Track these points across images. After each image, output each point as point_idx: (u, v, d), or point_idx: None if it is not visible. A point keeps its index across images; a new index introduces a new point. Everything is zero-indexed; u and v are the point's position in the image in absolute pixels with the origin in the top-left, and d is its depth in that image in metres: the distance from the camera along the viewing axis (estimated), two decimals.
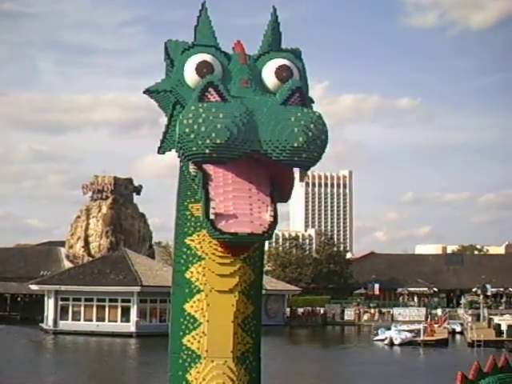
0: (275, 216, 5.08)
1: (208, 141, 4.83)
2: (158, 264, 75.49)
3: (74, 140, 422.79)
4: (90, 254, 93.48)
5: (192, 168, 5.11)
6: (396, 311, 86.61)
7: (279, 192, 5.30)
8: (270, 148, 4.91)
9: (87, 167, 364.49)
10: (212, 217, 4.98)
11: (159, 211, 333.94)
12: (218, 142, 4.82)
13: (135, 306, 64.54)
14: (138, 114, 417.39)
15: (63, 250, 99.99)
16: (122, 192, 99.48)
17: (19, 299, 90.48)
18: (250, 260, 5.75)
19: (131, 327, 63.82)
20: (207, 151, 4.86)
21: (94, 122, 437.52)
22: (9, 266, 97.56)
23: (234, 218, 5.00)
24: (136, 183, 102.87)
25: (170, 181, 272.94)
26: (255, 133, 4.93)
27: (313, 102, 5.87)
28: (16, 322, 78.60)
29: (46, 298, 69.89)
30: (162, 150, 6.07)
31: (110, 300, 65.19)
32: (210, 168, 5.13)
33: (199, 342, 5.66)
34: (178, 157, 5.53)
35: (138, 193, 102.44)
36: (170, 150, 6.00)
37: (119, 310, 65.36)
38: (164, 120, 6.14)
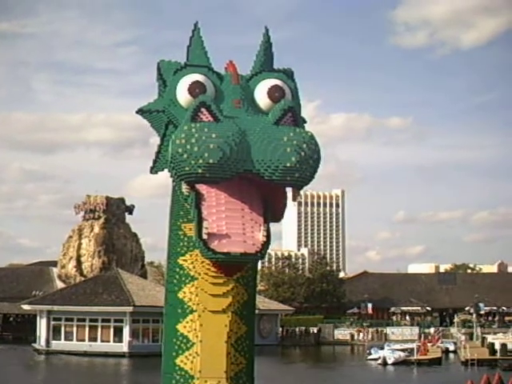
0: (268, 236, 5.08)
1: (201, 161, 4.83)
2: (150, 284, 75.21)
3: (66, 160, 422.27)
4: (82, 274, 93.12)
5: (185, 188, 5.10)
6: (389, 330, 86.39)
7: (272, 212, 5.30)
8: (263, 168, 4.91)
9: (79, 187, 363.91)
10: (205, 237, 4.97)
11: (151, 231, 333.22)
12: (211, 161, 4.83)
13: (128, 326, 64.21)
14: (130, 133, 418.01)
15: (55, 270, 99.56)
16: (115, 212, 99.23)
17: (11, 319, 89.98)
18: (243, 280, 5.74)
19: (124, 347, 63.47)
20: (200, 171, 4.87)
21: (86, 142, 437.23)
22: (1, 285, 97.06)
23: (226, 238, 4.99)
24: (128, 203, 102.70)
25: (161, 200, 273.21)
26: (248, 153, 4.93)
27: (305, 121, 5.88)
28: (8, 342, 78.08)
29: (38, 318, 69.47)
30: (154, 169, 6.06)
31: (103, 320, 64.84)
32: (202, 188, 5.13)
33: (192, 362, 5.64)
34: (171, 176, 5.52)
35: (131, 212, 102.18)
36: (162, 170, 5.99)
37: (112, 330, 64.99)
38: (155, 140, 6.14)
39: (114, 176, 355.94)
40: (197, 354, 5.65)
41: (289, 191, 5.23)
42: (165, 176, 5.81)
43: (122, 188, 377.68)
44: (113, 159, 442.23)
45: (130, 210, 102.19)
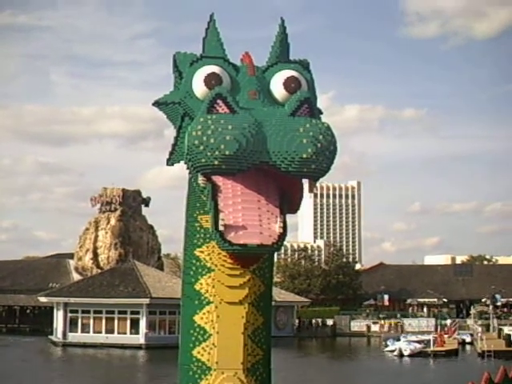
0: (284, 227, 5.08)
1: (217, 152, 4.84)
2: (166, 276, 75.52)
3: (80, 152, 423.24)
4: (98, 266, 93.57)
5: (201, 180, 5.11)
6: (406, 322, 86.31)
7: (288, 203, 5.30)
8: (279, 159, 4.91)
9: (94, 179, 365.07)
10: (221, 228, 4.98)
11: (167, 223, 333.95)
12: (227, 153, 4.83)
13: (144, 318, 64.51)
14: (144, 126, 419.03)
15: (72, 262, 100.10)
16: (131, 204, 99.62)
17: (28, 311, 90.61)
18: (259, 271, 5.75)
19: (140, 339, 63.77)
20: (216, 163, 4.87)
21: (100, 134, 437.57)
22: (18, 278, 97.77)
23: (243, 230, 5.00)
24: (143, 195, 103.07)
25: (177, 192, 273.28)
26: (264, 144, 4.93)
27: (321, 112, 5.87)
28: (25, 334, 78.71)
29: (55, 310, 69.92)
30: (170, 161, 6.08)
31: (119, 312, 65.15)
32: (219, 179, 5.13)
33: (209, 353, 5.65)
34: (187, 168, 5.53)
35: (147, 204, 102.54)
36: (178, 162, 6.01)
37: (128, 322, 65.31)
38: (170, 132, 6.17)
39: (128, 168, 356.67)
40: (214, 346, 5.67)
41: (305, 183, 5.22)
42: (180, 168, 5.84)
43: (137, 180, 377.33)
44: (127, 151, 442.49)
45: (146, 202, 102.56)
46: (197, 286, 5.79)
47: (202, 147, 4.87)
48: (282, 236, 5.04)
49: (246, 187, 5.18)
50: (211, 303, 5.71)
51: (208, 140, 4.86)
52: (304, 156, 4.88)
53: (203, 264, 5.79)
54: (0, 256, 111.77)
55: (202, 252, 5.81)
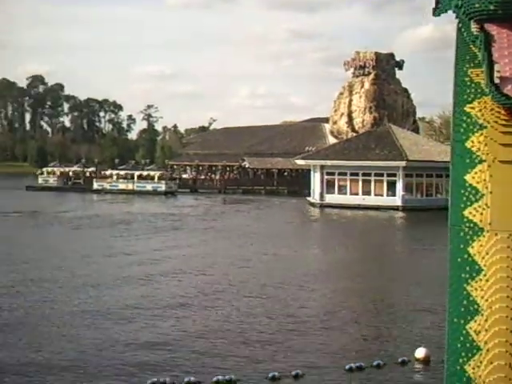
0: None
1: None
2: (422, 139, 74.90)
3: (329, 17, 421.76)
4: (353, 130, 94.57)
5: (474, 27, 4.74)
6: None
7: None
8: None
9: (344, 44, 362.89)
10: (497, 81, 4.62)
11: (420, 86, 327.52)
12: None
13: (401, 181, 64.63)
14: None
15: (327, 126, 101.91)
16: (384, 67, 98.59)
17: (286, 174, 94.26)
18: None
19: (397, 201, 64.18)
20: (492, 7, 4.49)
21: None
22: (275, 142, 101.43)
23: None
24: (396, 58, 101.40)
25: (429, 55, 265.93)
26: None
27: None
28: (283, 196, 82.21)
29: (312, 173, 71.91)
30: (437, 11, 5.69)
31: (376, 174, 65.67)
32: (492, 28, 4.74)
33: (482, 214, 5.39)
34: (456, 17, 5.15)
35: (400, 67, 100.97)
36: (446, 12, 5.60)
37: (385, 184, 65.77)
38: None
39: (378, 32, 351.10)
40: (486, 206, 5.38)
41: None
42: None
43: (388, 44, 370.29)
44: (375, 15, 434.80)
45: (400, 65, 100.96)
46: (468, 144, 5.48)
47: None
48: None
49: None
50: (483, 162, 5.39)
51: None
52: None
53: (474, 121, 5.45)
54: (258, 121, 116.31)
55: (472, 108, 5.46)
